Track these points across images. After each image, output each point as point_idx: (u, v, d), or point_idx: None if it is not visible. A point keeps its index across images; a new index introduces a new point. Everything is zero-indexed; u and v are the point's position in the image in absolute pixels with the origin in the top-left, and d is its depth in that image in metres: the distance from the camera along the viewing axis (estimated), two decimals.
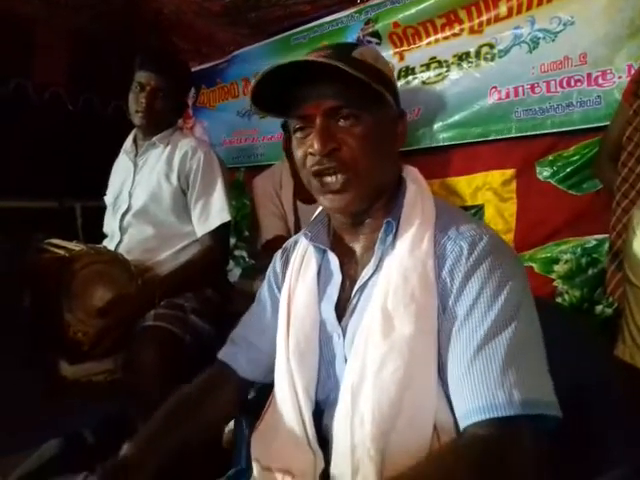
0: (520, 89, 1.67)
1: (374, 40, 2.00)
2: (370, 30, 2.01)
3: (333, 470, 0.67)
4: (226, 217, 1.67)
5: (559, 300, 1.60)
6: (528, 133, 1.67)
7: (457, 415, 0.63)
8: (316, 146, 0.71)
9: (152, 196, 1.68)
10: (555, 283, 1.63)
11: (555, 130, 1.62)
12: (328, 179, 0.73)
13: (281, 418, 0.75)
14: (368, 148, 0.72)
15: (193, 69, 2.78)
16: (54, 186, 2.43)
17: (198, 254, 1.65)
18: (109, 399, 1.40)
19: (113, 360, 1.50)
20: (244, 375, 0.90)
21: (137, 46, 2.54)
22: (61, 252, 1.48)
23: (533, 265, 1.68)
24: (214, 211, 1.67)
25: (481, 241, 0.68)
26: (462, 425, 0.62)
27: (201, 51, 2.81)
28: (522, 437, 0.59)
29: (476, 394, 0.60)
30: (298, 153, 0.76)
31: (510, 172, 1.74)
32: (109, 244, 1.74)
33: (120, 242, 1.70)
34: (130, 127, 1.88)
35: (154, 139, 1.73)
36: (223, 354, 0.93)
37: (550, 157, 1.66)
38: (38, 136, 2.45)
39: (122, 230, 1.71)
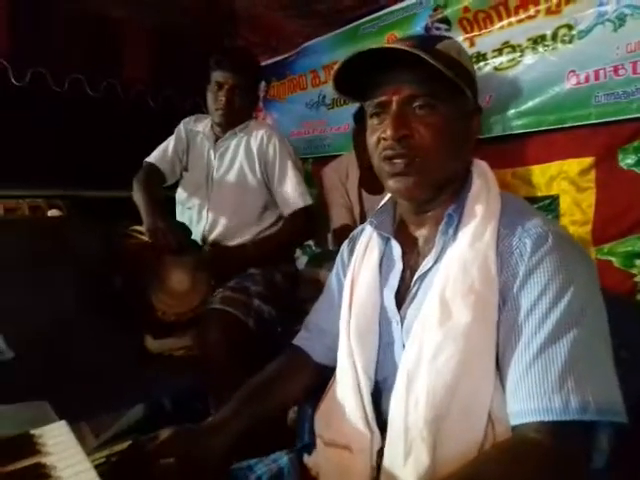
0: (601, 72, 1.56)
1: (443, 26, 1.96)
2: (439, 16, 1.96)
3: (387, 450, 0.69)
4: (308, 200, 1.78)
5: None
6: (610, 119, 1.56)
7: (509, 412, 0.63)
8: (389, 131, 0.73)
9: (234, 182, 1.80)
10: (636, 279, 1.53)
11: None
12: (395, 161, 0.75)
13: (342, 396, 0.79)
14: (440, 139, 0.73)
15: (263, 63, 2.87)
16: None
17: (282, 231, 1.78)
18: (186, 372, 1.52)
19: (191, 337, 1.62)
20: (319, 360, 0.94)
21: (212, 42, 2.67)
22: (144, 238, 1.62)
23: (612, 259, 1.59)
24: (296, 194, 1.77)
25: (547, 239, 0.67)
26: (513, 422, 0.62)
27: (270, 44, 2.88)
28: (577, 443, 0.59)
29: (532, 395, 0.60)
30: (371, 139, 0.78)
31: (589, 160, 1.64)
32: (194, 216, 1.87)
33: (207, 222, 1.83)
34: None
35: (236, 129, 1.83)
36: (298, 339, 0.98)
37: (635, 143, 1.55)
38: (124, 131, 2.66)
39: (208, 211, 1.83)
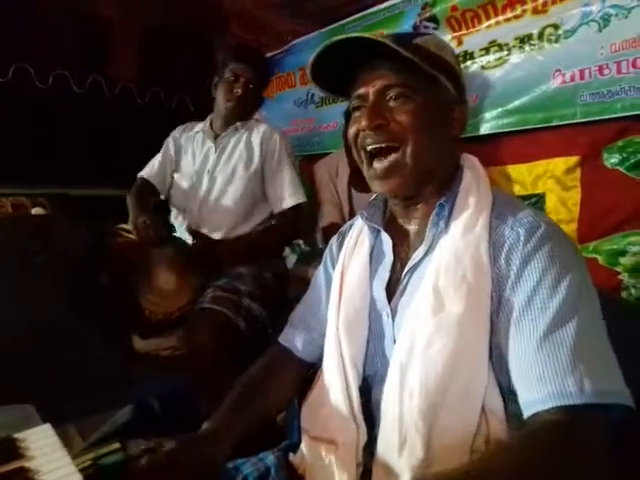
0: (587, 71, 1.58)
1: (431, 25, 1.96)
2: (427, 15, 1.97)
3: (380, 444, 0.68)
4: (302, 198, 1.77)
5: (624, 294, 1.52)
6: (594, 118, 1.58)
7: (523, 402, 0.62)
8: (364, 122, 0.76)
9: (231, 177, 1.79)
10: (621, 276, 1.55)
11: (626, 114, 1.52)
12: (376, 164, 0.77)
13: (328, 389, 0.78)
14: (417, 125, 0.74)
15: None
16: (125, 175, 2.60)
17: (273, 227, 1.76)
18: (174, 372, 1.51)
19: (178, 337, 1.61)
20: (301, 356, 0.94)
21: (201, 39, 2.64)
22: (131, 237, 1.60)
23: (597, 257, 1.61)
24: (290, 191, 1.76)
25: (539, 228, 0.68)
26: (528, 412, 0.61)
27: (260, 42, 2.86)
28: (594, 426, 0.58)
29: (545, 381, 0.59)
30: (350, 131, 0.81)
31: (574, 159, 1.66)
32: (179, 218, 1.87)
33: (197, 219, 1.81)
34: (193, 119, 1.99)
35: (237, 124, 1.84)
36: (282, 337, 0.98)
37: (619, 143, 1.57)
38: (110, 128, 2.62)
39: (201, 207, 1.82)
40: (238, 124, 1.84)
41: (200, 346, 1.47)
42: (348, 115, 2.03)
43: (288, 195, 1.76)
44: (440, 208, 0.75)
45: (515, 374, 0.64)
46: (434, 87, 0.75)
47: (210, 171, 1.84)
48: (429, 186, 0.78)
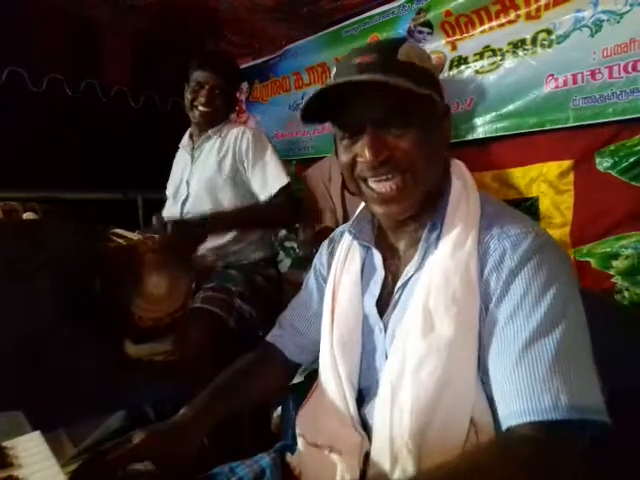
0: (579, 76, 1.59)
1: (425, 30, 1.97)
2: (421, 20, 1.98)
3: (374, 456, 0.69)
4: (284, 180, 1.74)
5: (618, 297, 1.53)
6: (587, 122, 1.59)
7: (500, 414, 0.62)
8: (369, 157, 0.70)
9: (207, 182, 1.80)
10: (614, 279, 1.56)
11: (618, 118, 1.53)
12: (382, 189, 0.73)
13: (327, 400, 0.78)
14: (422, 151, 0.71)
15: (247, 64, 2.87)
16: (119, 179, 2.59)
17: (261, 206, 1.74)
18: (167, 377, 1.50)
19: (171, 342, 1.60)
20: (291, 357, 0.95)
21: (194, 44, 2.65)
22: (121, 241, 1.59)
23: (590, 260, 1.62)
24: (271, 177, 1.74)
25: (525, 240, 0.67)
26: (505, 425, 0.61)
27: (254, 46, 2.87)
28: (568, 442, 0.58)
29: (521, 396, 0.59)
30: (344, 158, 0.75)
31: (567, 163, 1.67)
32: None
33: None
34: (187, 123, 1.99)
35: (209, 132, 1.85)
36: (271, 336, 0.99)
37: (612, 147, 1.58)
38: (104, 132, 2.62)
39: (182, 216, 1.83)
40: (210, 131, 1.85)
41: (191, 344, 1.47)
42: None
43: (271, 181, 1.74)
44: (432, 225, 0.74)
45: (494, 387, 0.64)
46: (426, 104, 0.72)
47: (187, 181, 1.86)
48: (425, 203, 0.76)
